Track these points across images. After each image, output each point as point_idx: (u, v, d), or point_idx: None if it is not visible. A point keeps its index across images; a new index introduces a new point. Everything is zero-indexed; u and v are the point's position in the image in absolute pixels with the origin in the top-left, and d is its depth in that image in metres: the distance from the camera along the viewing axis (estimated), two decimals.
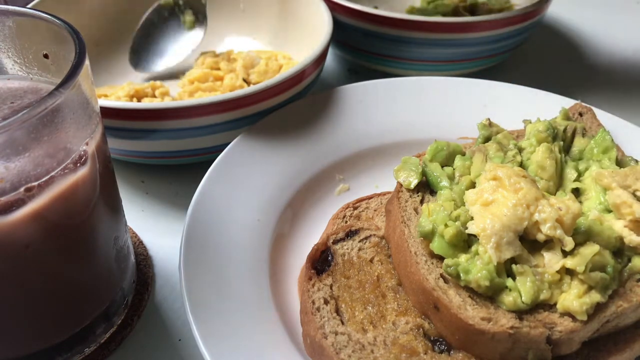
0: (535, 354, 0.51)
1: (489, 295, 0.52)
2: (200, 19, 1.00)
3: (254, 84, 0.92)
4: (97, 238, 0.54)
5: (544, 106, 0.80)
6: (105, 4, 0.99)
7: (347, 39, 0.97)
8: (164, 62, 1.00)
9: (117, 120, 0.70)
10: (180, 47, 1.00)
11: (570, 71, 1.10)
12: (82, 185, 0.48)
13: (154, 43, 1.00)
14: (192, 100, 0.71)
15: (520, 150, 0.64)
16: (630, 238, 0.54)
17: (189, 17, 1.00)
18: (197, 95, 0.90)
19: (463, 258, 0.53)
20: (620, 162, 0.62)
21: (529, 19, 0.94)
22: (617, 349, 0.54)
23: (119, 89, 0.90)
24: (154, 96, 0.91)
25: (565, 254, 0.52)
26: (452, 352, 0.53)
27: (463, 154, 0.65)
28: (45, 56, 0.52)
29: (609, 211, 0.57)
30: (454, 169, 0.63)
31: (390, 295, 0.58)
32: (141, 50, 0.99)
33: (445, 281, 0.54)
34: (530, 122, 0.70)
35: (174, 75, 0.99)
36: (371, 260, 0.61)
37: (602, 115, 0.78)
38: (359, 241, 0.63)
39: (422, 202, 0.62)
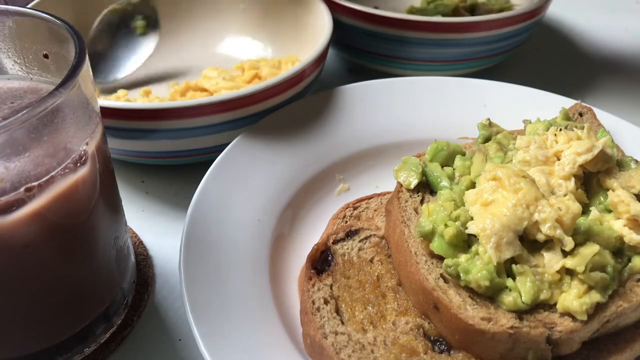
0: (535, 354, 0.51)
1: (489, 295, 0.52)
2: (152, 24, 0.97)
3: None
4: (97, 238, 0.54)
5: (544, 106, 0.80)
6: (105, 4, 0.99)
7: (347, 39, 0.97)
8: (121, 71, 0.95)
9: (117, 120, 0.70)
10: (136, 54, 0.96)
11: (570, 71, 1.10)
12: (82, 185, 0.48)
13: (108, 54, 0.95)
14: (192, 100, 0.71)
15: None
16: (630, 237, 0.54)
17: (139, 22, 0.96)
18: (189, 96, 0.90)
19: (463, 258, 0.53)
20: (620, 163, 0.62)
21: (529, 19, 0.94)
22: (617, 349, 0.54)
23: None
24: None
25: (565, 254, 0.52)
26: (452, 352, 0.53)
27: (463, 154, 0.65)
28: (45, 56, 0.52)
29: (609, 211, 0.57)
30: (454, 169, 0.63)
31: (390, 295, 0.58)
32: (96, 62, 0.94)
33: (445, 281, 0.54)
34: (530, 122, 0.70)
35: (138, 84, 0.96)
36: (371, 260, 0.61)
37: (602, 115, 0.78)
38: (359, 241, 0.63)
39: (422, 202, 0.62)
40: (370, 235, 0.64)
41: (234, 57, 1.03)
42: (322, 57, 0.83)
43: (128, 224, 0.66)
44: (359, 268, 0.60)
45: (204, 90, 0.91)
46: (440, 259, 0.55)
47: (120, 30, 0.96)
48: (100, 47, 0.95)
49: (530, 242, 0.54)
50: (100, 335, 0.59)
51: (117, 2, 0.95)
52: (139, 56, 0.96)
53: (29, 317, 0.52)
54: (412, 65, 0.95)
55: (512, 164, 0.61)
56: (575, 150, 0.59)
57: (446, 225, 0.54)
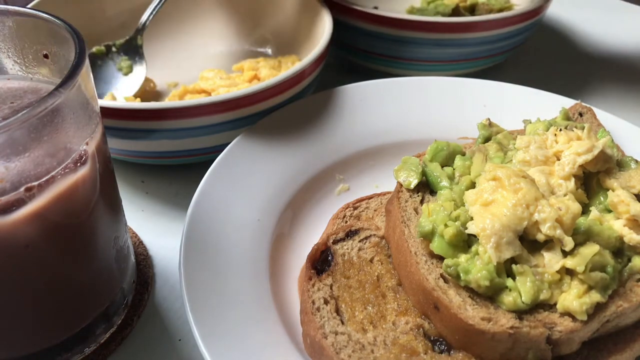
0: (535, 354, 0.51)
1: (489, 295, 0.52)
2: (137, 60, 0.94)
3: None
4: (97, 238, 0.54)
5: (544, 106, 0.80)
6: (105, 3, 0.99)
7: (347, 39, 0.97)
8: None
9: (117, 120, 0.70)
10: (120, 91, 0.92)
11: (570, 71, 1.10)
12: (82, 185, 0.48)
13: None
14: (192, 100, 0.71)
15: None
16: (630, 237, 0.54)
17: (124, 63, 0.93)
18: (188, 98, 0.89)
19: (463, 258, 0.53)
20: (620, 163, 0.62)
21: (529, 19, 0.94)
22: (617, 349, 0.54)
23: None
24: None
25: (565, 254, 0.52)
26: (452, 352, 0.53)
27: (463, 154, 0.65)
28: (45, 56, 0.52)
29: (609, 211, 0.57)
30: (454, 169, 0.63)
31: (390, 295, 0.58)
32: None
33: (445, 281, 0.54)
34: (530, 122, 0.70)
35: None
36: (371, 260, 0.61)
37: (602, 115, 0.78)
38: (359, 241, 0.63)
39: (422, 202, 0.62)
40: (370, 235, 0.64)
41: (233, 57, 1.03)
42: (322, 57, 0.83)
43: (128, 224, 0.66)
44: (359, 268, 0.60)
45: (202, 91, 0.91)
46: (440, 259, 0.55)
47: (103, 70, 0.93)
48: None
49: (530, 242, 0.54)
50: (100, 335, 0.59)
51: (102, 44, 0.93)
52: (124, 94, 0.92)
53: (29, 317, 0.52)
54: (412, 65, 0.95)
55: (512, 164, 0.61)
56: (575, 151, 0.59)
57: (446, 225, 0.54)
